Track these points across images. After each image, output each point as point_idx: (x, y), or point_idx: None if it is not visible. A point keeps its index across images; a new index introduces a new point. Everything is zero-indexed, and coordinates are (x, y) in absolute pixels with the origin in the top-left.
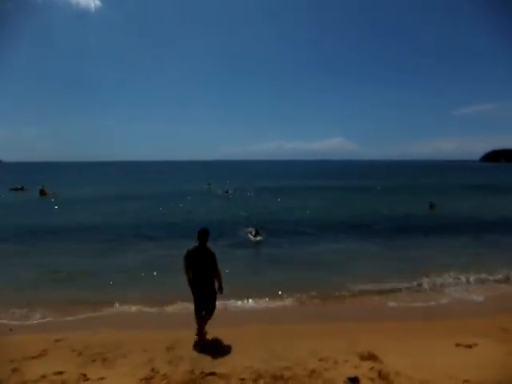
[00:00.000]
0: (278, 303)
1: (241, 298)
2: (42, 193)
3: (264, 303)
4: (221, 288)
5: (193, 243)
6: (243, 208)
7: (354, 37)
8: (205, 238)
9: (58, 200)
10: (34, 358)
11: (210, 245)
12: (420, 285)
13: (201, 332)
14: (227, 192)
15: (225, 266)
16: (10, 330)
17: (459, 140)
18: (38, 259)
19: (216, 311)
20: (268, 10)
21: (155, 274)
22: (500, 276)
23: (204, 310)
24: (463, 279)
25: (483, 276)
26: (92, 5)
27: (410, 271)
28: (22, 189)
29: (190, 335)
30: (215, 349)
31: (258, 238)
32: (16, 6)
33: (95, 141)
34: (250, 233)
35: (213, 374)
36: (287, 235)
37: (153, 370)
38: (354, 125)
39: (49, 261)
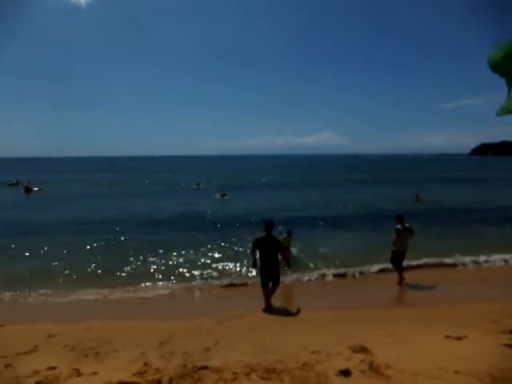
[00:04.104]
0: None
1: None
2: (28, 189)
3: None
4: (289, 264)
5: (259, 233)
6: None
7: (343, 32)
8: (271, 228)
9: (41, 196)
10: (26, 353)
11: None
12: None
13: (268, 303)
14: (224, 195)
15: None
16: (2, 325)
17: (448, 134)
18: (20, 254)
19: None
20: (256, 2)
21: (147, 271)
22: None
23: (271, 282)
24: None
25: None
26: None
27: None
28: (17, 183)
29: (183, 329)
30: (208, 343)
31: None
32: (4, 2)
33: (84, 136)
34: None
35: (205, 367)
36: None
37: (145, 364)
38: (343, 119)
39: (34, 255)
